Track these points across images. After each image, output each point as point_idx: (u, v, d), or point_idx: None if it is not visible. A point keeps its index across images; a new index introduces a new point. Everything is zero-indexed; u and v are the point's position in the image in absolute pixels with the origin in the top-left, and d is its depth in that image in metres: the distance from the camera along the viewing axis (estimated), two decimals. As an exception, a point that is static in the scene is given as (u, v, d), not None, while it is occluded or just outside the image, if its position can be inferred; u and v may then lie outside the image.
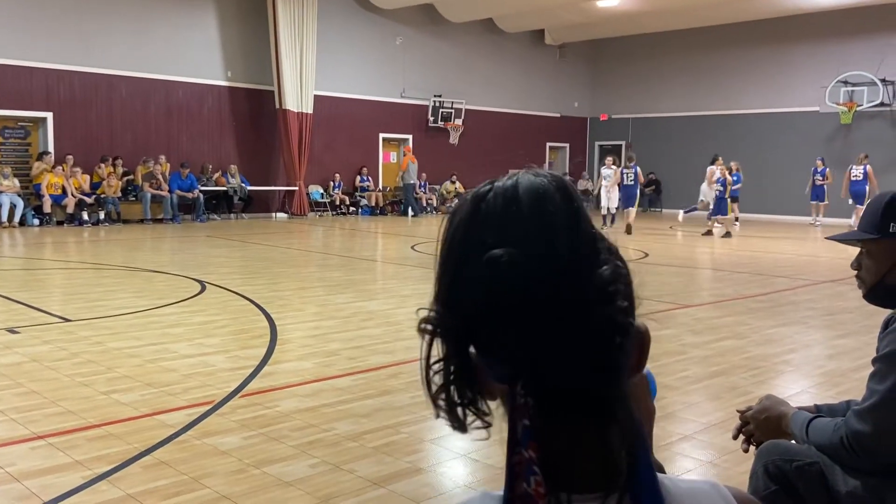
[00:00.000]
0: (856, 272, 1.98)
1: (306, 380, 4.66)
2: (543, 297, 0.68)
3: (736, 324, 6.57)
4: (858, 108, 19.16)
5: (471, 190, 0.77)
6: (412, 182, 19.59)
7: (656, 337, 5.95)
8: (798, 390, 4.70)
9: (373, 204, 19.61)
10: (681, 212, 17.83)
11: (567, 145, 25.00)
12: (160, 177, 15.96)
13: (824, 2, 18.36)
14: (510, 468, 0.70)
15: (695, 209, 17.52)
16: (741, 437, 2.10)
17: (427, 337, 0.73)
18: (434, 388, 0.73)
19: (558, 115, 24.37)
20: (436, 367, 0.73)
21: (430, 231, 16.26)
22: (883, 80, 18.83)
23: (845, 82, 19.38)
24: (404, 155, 19.73)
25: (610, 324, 0.69)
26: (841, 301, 7.69)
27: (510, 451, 0.70)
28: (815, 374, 5.09)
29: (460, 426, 0.74)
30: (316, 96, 18.18)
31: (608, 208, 16.40)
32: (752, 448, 2.10)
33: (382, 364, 5.04)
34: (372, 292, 7.97)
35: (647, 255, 11.83)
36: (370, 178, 19.72)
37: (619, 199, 16.03)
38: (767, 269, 10.44)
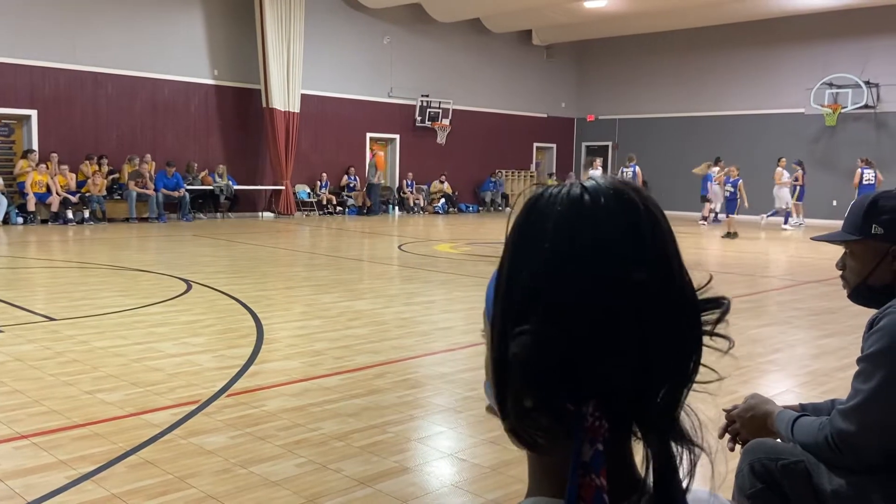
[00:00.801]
0: (840, 272, 2.00)
1: (293, 379, 4.64)
2: (653, 320, 0.67)
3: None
4: (843, 110, 19.32)
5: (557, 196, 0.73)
6: (378, 182, 19.35)
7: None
8: (783, 389, 4.73)
9: (360, 203, 19.57)
10: (763, 216, 18.14)
11: (554, 146, 25.06)
12: (146, 175, 15.85)
13: (809, 4, 18.50)
14: (573, 492, 0.68)
15: (776, 213, 17.93)
16: (727, 435, 2.12)
17: (522, 349, 0.69)
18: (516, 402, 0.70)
19: (545, 115, 24.42)
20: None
21: (416, 231, 16.25)
22: (867, 83, 19.00)
23: (830, 84, 19.55)
24: (373, 155, 19.47)
25: (698, 345, 0.69)
26: (825, 301, 7.75)
27: (573, 474, 0.67)
28: (800, 373, 5.13)
29: (531, 442, 0.72)
30: (303, 95, 18.12)
31: None
32: (738, 447, 2.11)
33: (369, 364, 5.03)
34: (359, 292, 7.95)
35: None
36: (357, 177, 19.68)
37: None
38: (754, 270, 10.51)
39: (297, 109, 17.95)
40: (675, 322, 0.69)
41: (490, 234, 15.64)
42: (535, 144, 24.44)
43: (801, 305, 7.62)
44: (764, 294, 8.41)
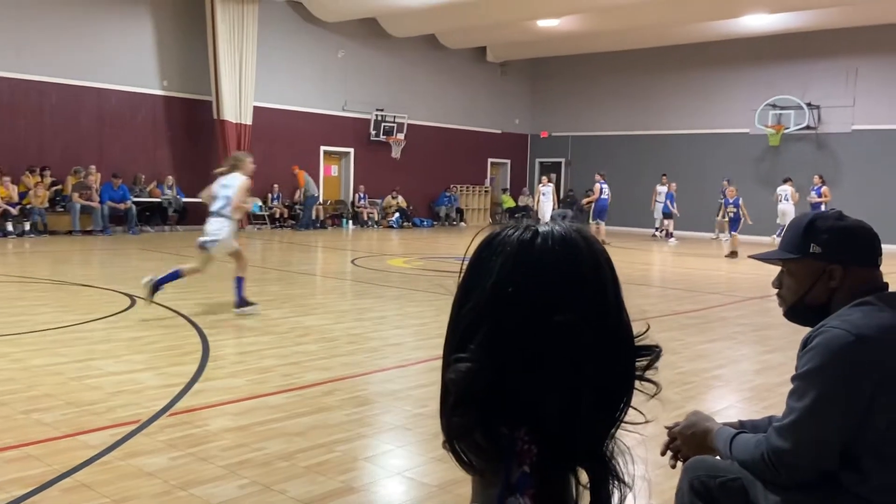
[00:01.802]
0: (777, 291, 2.03)
1: (238, 397, 4.55)
2: (586, 361, 0.71)
3: (669, 339, 6.70)
4: (786, 131, 19.92)
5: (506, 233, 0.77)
6: (314, 195, 18.99)
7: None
8: (727, 405, 4.81)
9: (313, 217, 19.40)
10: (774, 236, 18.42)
11: (508, 161, 25.27)
12: (91, 187, 15.47)
13: (754, 28, 19.07)
14: None
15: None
16: (669, 452, 2.13)
17: (460, 376, 0.73)
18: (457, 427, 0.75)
19: (499, 131, 24.63)
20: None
21: (370, 245, 16.18)
22: (808, 105, 19.63)
23: (773, 106, 20.14)
24: (297, 172, 18.99)
25: (629, 388, 0.73)
26: (769, 317, 7.93)
27: (501, 494, 0.72)
28: (744, 388, 5.23)
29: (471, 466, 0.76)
30: (256, 107, 17.94)
31: (544, 219, 17.93)
32: (680, 464, 2.13)
33: (318, 381, 4.96)
34: (309, 307, 7.86)
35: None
36: (281, 194, 19.40)
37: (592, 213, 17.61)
38: (700, 286, 10.72)
39: (249, 121, 17.75)
40: (608, 364, 0.72)
41: (444, 248, 15.67)
42: (490, 160, 24.61)
43: (746, 321, 7.79)
44: (710, 310, 8.57)
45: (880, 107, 18.85)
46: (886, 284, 1.84)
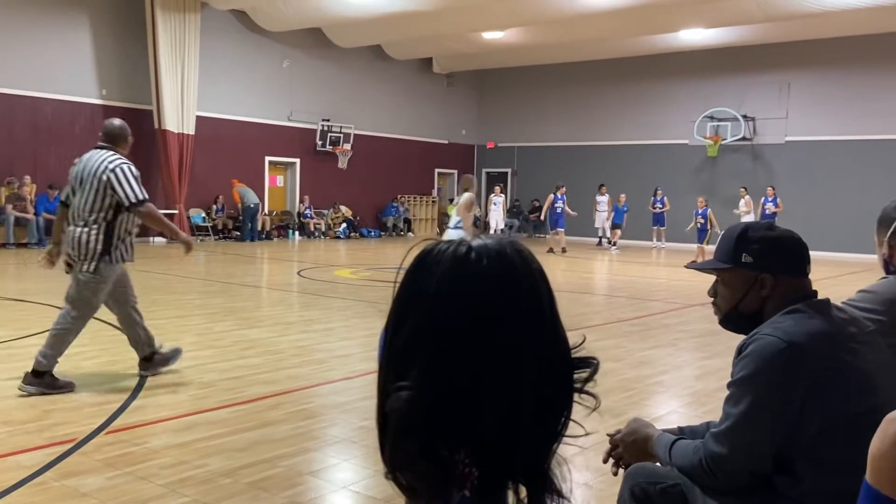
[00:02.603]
0: (712, 299, 2.09)
1: (179, 413, 4.44)
2: (525, 378, 0.69)
3: (613, 347, 6.81)
4: (723, 142, 20.51)
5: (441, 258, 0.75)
6: (250, 205, 18.48)
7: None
8: (668, 410, 4.91)
9: (259, 228, 19.14)
10: None
11: (455, 172, 25.37)
12: (26, 198, 14.96)
13: (692, 43, 19.61)
14: None
15: None
16: (611, 459, 2.16)
17: (401, 403, 0.72)
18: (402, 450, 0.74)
19: (446, 141, 24.73)
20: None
21: (316, 256, 16.03)
22: (744, 116, 20.26)
23: (711, 117, 20.72)
24: (234, 185, 18.54)
25: (568, 402, 0.73)
26: (708, 323, 8.13)
27: None
28: (685, 394, 5.34)
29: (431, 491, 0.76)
30: (199, 117, 17.64)
31: (495, 229, 19.26)
32: (621, 470, 2.16)
33: (262, 395, 4.88)
34: (254, 320, 7.74)
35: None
36: (224, 206, 19.14)
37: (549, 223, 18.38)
38: (643, 293, 10.93)
39: (191, 131, 17.44)
40: (547, 380, 0.72)
41: (391, 259, 15.63)
42: (437, 170, 24.68)
43: (687, 328, 7.97)
44: (651, 317, 8.74)
45: (811, 119, 19.58)
46: (815, 292, 1.91)
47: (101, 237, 4.82)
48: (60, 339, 4.85)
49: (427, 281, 0.74)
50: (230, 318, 7.69)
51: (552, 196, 18.24)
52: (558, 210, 18.04)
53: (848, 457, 1.58)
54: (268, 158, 19.89)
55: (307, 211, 20.51)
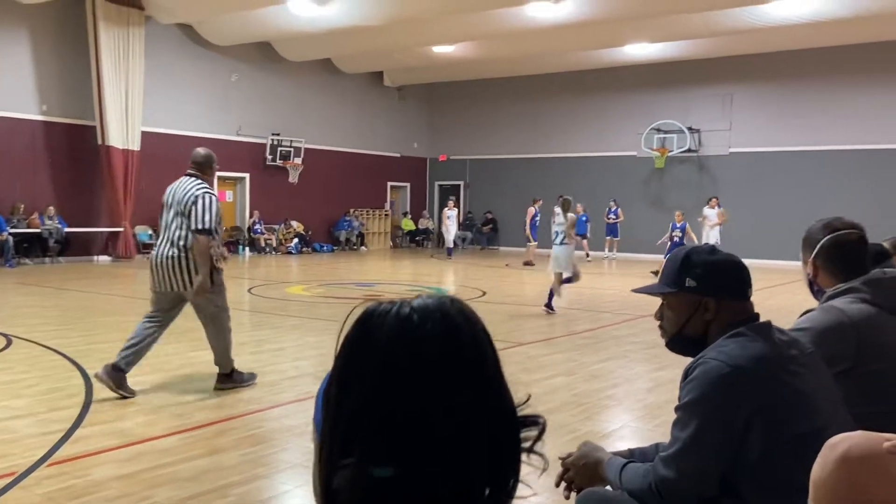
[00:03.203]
0: (659, 322, 2.12)
1: (125, 442, 4.31)
2: (473, 439, 0.69)
3: (565, 360, 6.87)
4: (670, 154, 20.95)
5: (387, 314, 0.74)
6: None
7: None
8: (620, 425, 4.96)
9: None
10: None
11: (408, 185, 25.38)
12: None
13: (638, 57, 20.02)
14: None
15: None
16: (563, 483, 2.16)
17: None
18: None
19: (398, 154, 24.73)
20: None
21: (268, 272, 15.82)
22: (690, 129, 20.74)
23: (658, 130, 21.16)
24: None
25: (516, 462, 0.72)
26: (658, 335, 8.24)
27: None
28: (636, 407, 5.40)
29: None
30: (144, 133, 17.29)
31: (450, 242, 19.71)
32: (573, 494, 2.16)
33: (211, 420, 4.78)
34: (203, 341, 7.53)
35: (484, 293, 12.17)
36: None
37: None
38: (594, 305, 11.05)
39: (136, 147, 17.09)
40: (495, 443, 0.71)
41: (344, 274, 15.52)
42: (389, 183, 24.65)
43: (637, 339, 8.08)
44: (603, 329, 8.84)
45: (754, 130, 20.14)
46: (757, 315, 1.94)
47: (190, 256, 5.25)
48: (224, 344, 5.48)
49: (369, 348, 0.72)
50: (177, 340, 7.50)
51: (532, 209, 18.47)
52: (537, 224, 18.32)
53: (791, 479, 1.61)
54: (217, 173, 19.57)
55: (257, 226, 20.25)
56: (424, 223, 25.04)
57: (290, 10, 15.88)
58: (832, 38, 17.62)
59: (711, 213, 18.55)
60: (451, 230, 19.79)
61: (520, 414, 0.76)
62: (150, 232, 17.99)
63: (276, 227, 20.82)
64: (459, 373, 0.70)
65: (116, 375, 5.17)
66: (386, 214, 24.24)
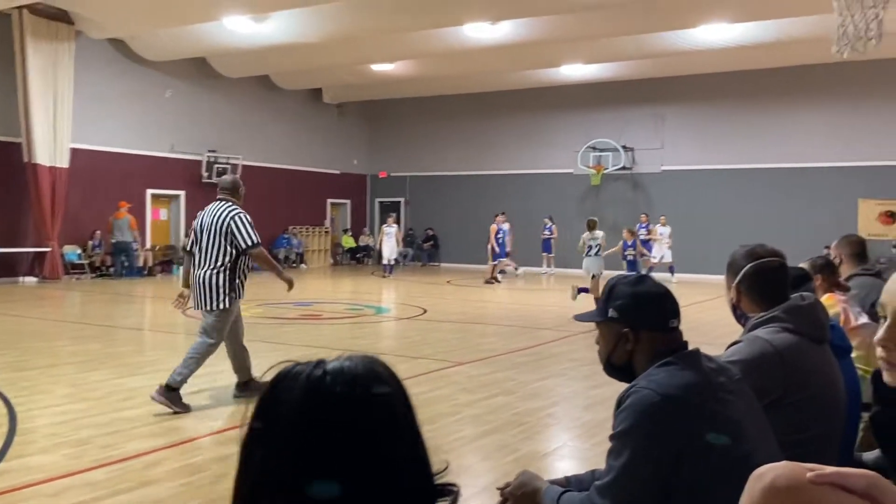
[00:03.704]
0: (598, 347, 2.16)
1: (51, 476, 4.14)
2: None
3: (505, 379, 6.90)
4: (605, 171, 21.40)
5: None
6: (125, 239, 17.43)
7: (432, 398, 6.09)
8: (560, 444, 5.00)
9: (140, 264, 18.31)
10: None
11: (348, 202, 25.25)
12: None
13: (574, 77, 20.45)
14: None
15: (672, 269, 18.92)
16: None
17: None
18: None
19: (338, 171, 24.59)
20: None
21: (204, 292, 15.43)
22: (624, 147, 21.25)
23: (594, 148, 21.61)
24: (121, 211, 17.47)
25: None
26: (596, 352, 8.37)
27: None
28: (575, 426, 5.46)
29: None
30: (73, 149, 16.75)
31: (388, 259, 19.49)
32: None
33: (142, 451, 4.63)
34: (134, 366, 7.35)
35: (425, 311, 12.16)
36: (103, 241, 18.25)
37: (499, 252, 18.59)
38: (533, 322, 11.16)
39: (65, 164, 16.54)
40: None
41: (283, 293, 15.27)
42: (329, 200, 24.47)
43: (576, 356, 8.18)
44: (542, 346, 8.92)
45: (685, 149, 20.76)
46: (685, 344, 1.99)
47: (226, 277, 5.66)
48: (195, 361, 5.63)
49: (278, 411, 0.70)
50: (107, 366, 7.27)
51: (495, 226, 18.58)
52: (500, 240, 18.41)
53: (722, 505, 1.65)
54: (150, 191, 19.12)
55: (193, 245, 19.79)
56: (365, 240, 24.93)
57: (225, 27, 15.68)
58: (757, 62, 18.34)
59: (665, 231, 19.03)
60: (389, 247, 19.65)
61: (436, 481, 0.74)
62: (79, 252, 17.41)
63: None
64: (369, 438, 0.68)
65: (170, 395, 5.50)
66: (326, 232, 24.03)
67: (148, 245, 18.93)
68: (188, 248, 5.93)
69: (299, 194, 22.90)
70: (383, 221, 21.28)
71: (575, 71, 19.82)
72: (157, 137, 19.00)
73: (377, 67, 19.65)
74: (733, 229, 18.27)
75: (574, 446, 4.92)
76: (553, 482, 2.14)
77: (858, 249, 4.47)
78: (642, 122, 21.17)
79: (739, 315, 2.62)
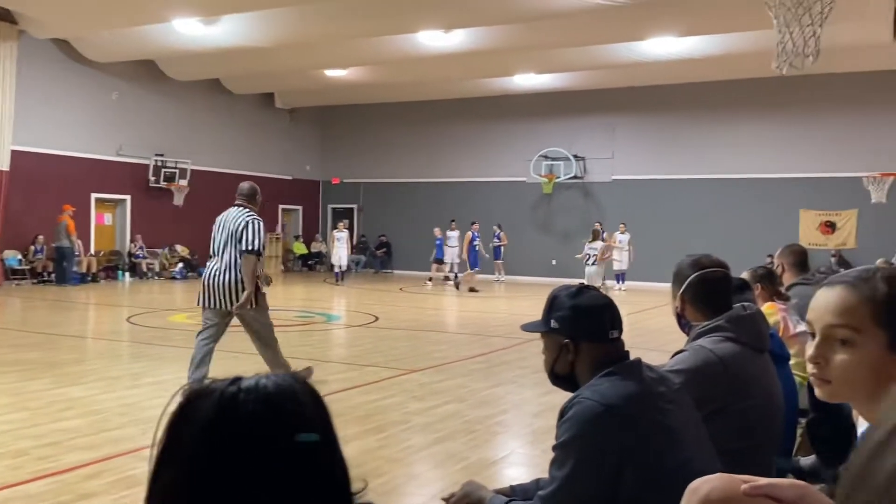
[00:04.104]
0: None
1: (-16, 491, 3.99)
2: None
3: (456, 387, 6.91)
4: (557, 180, 21.65)
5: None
6: (65, 245, 16.84)
7: (382, 406, 6.06)
8: (508, 451, 5.02)
9: (84, 270, 17.83)
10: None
11: (300, 208, 25.01)
12: None
13: (526, 87, 20.65)
14: None
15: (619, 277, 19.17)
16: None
17: None
18: None
19: (290, 177, 24.35)
20: None
21: (149, 299, 15.14)
22: (576, 156, 21.53)
23: (546, 157, 21.83)
24: (63, 214, 16.91)
25: None
26: (540, 358, 8.44)
27: None
28: (524, 433, 5.49)
29: None
30: (15, 152, 16.24)
31: (340, 266, 19.28)
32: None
33: (82, 462, 4.49)
34: (75, 375, 7.14)
35: (377, 318, 12.10)
36: (80, 242, 17.93)
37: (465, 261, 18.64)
38: (485, 330, 11.20)
39: (5, 167, 16.03)
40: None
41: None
42: (281, 206, 24.20)
43: (526, 363, 8.22)
44: (494, 353, 8.96)
45: (634, 159, 21.14)
46: (627, 354, 2.02)
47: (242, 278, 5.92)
48: (273, 353, 6.01)
49: (185, 431, 0.67)
50: (47, 375, 7.05)
51: (470, 234, 18.55)
52: (476, 248, 18.36)
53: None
54: (94, 195, 18.64)
55: (139, 251, 19.37)
56: (317, 246, 24.72)
57: (175, 29, 15.41)
58: (704, 75, 18.79)
59: (624, 239, 19.29)
60: (340, 254, 19.39)
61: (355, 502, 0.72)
62: (19, 257, 16.88)
63: (160, 251, 19.98)
64: (281, 458, 0.66)
65: None
66: (277, 238, 23.75)
67: (92, 250, 18.45)
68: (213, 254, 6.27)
69: (250, 200, 22.57)
70: (334, 227, 21.13)
71: (527, 80, 20.02)
72: (103, 140, 18.55)
73: (330, 73, 19.55)
74: (681, 238, 18.66)
75: (523, 453, 4.95)
76: (498, 491, 2.15)
77: (801, 259, 4.59)
78: (593, 132, 21.47)
79: (684, 324, 2.67)
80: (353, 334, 11.07)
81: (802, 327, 3.57)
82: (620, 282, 18.97)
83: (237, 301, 5.87)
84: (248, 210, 6.10)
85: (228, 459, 0.66)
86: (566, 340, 1.98)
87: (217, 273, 5.96)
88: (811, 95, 18.82)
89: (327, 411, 0.73)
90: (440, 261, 19.60)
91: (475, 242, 18.61)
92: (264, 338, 6.04)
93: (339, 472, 0.70)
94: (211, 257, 6.18)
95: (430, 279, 19.44)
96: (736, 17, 13.29)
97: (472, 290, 17.74)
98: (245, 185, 6.35)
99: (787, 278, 4.44)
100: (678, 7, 13.27)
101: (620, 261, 19.10)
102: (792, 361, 3.38)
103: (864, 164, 17.99)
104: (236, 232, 5.96)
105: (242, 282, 5.87)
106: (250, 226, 5.95)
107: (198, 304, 6.11)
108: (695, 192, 20.31)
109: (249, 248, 5.89)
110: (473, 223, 19.13)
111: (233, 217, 6.07)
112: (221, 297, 5.93)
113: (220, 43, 16.02)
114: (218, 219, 6.23)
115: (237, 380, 0.71)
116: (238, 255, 5.91)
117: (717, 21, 14.03)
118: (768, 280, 3.79)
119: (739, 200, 19.78)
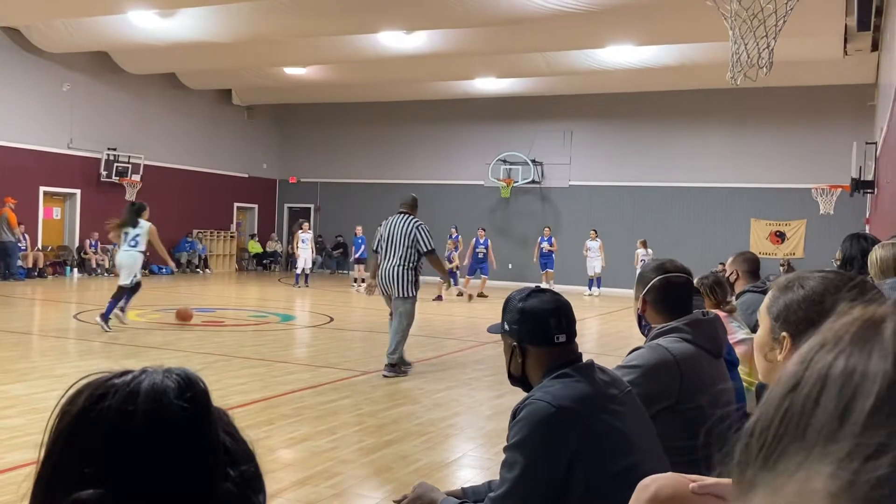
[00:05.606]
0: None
1: (-83, 492, 3.84)
2: None
3: (411, 388, 6.89)
4: (515, 184, 21.78)
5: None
6: (8, 239, 16.34)
7: (336, 408, 6.00)
8: (461, 454, 5.03)
9: (30, 265, 17.33)
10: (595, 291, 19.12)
11: (256, 206, 24.70)
12: None
13: (486, 91, 20.74)
14: None
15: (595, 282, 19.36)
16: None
17: None
18: None
19: (246, 175, 24.04)
20: None
21: (98, 296, 14.75)
22: (534, 161, 21.69)
23: (504, 161, 21.95)
24: (4, 207, 16.48)
25: None
26: (502, 361, 8.47)
27: None
28: (477, 435, 5.50)
29: None
30: (-42, 141, 15.74)
31: (304, 268, 18.50)
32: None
33: (23, 462, 4.35)
34: (18, 373, 6.93)
35: (332, 319, 12.01)
36: (27, 236, 17.44)
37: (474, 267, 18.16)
38: (440, 332, 11.20)
39: (-52, 157, 15.51)
40: None
41: (185, 298, 14.78)
42: (236, 204, 23.87)
43: (481, 365, 8.26)
44: (449, 356, 8.97)
45: (591, 165, 21.39)
46: (580, 356, 2.03)
47: (411, 272, 7.34)
48: (401, 337, 7.35)
49: (67, 417, 0.66)
50: (-11, 373, 6.83)
51: (474, 240, 18.15)
52: (480, 255, 17.88)
53: (610, 514, 1.68)
54: (42, 188, 18.14)
55: (94, 246, 18.89)
56: (273, 246, 24.44)
57: (130, 21, 15.08)
58: (661, 84, 19.10)
59: (594, 245, 19.44)
60: (304, 256, 18.41)
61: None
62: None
63: (110, 247, 19.52)
64: (159, 457, 0.66)
65: (396, 368, 7.24)
66: (232, 236, 23.42)
67: (39, 245, 17.96)
68: (374, 249, 7.69)
69: (204, 197, 22.24)
70: (291, 227, 20.78)
71: (487, 84, 20.12)
72: (53, 132, 18.07)
73: (290, 71, 19.36)
74: (633, 245, 18.94)
75: (476, 456, 4.96)
76: (449, 493, 2.15)
77: (753, 267, 4.70)
78: (552, 138, 21.67)
79: (644, 325, 2.71)
80: (307, 334, 10.97)
81: (743, 334, 3.64)
82: (595, 286, 19.16)
83: (402, 290, 7.19)
84: (413, 217, 7.45)
85: (83, 450, 0.67)
86: (514, 342, 1.99)
87: (394, 268, 7.23)
88: (761, 107, 19.28)
89: (211, 413, 0.71)
90: (361, 260, 18.58)
91: (479, 248, 17.94)
92: (405, 319, 7.28)
93: (218, 469, 0.69)
94: (375, 253, 7.61)
95: (356, 280, 18.54)
96: (692, 28, 13.56)
97: (460, 294, 16.97)
98: (408, 195, 7.84)
99: (740, 285, 4.53)
100: (637, 16, 13.48)
101: (590, 269, 19.29)
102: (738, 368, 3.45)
103: (813, 176, 18.49)
104: (408, 236, 7.27)
105: (414, 276, 7.25)
106: (421, 232, 7.34)
107: (385, 294, 7.48)
108: (649, 199, 20.64)
109: (427, 248, 7.31)
110: (481, 229, 18.75)
111: (401, 224, 7.40)
112: (395, 286, 7.23)
113: (176, 37, 15.74)
114: (384, 223, 7.61)
115: (125, 373, 0.70)
116: (407, 255, 7.21)
117: (675, 31, 14.29)
118: (714, 289, 3.87)
119: (692, 209, 20.16)
